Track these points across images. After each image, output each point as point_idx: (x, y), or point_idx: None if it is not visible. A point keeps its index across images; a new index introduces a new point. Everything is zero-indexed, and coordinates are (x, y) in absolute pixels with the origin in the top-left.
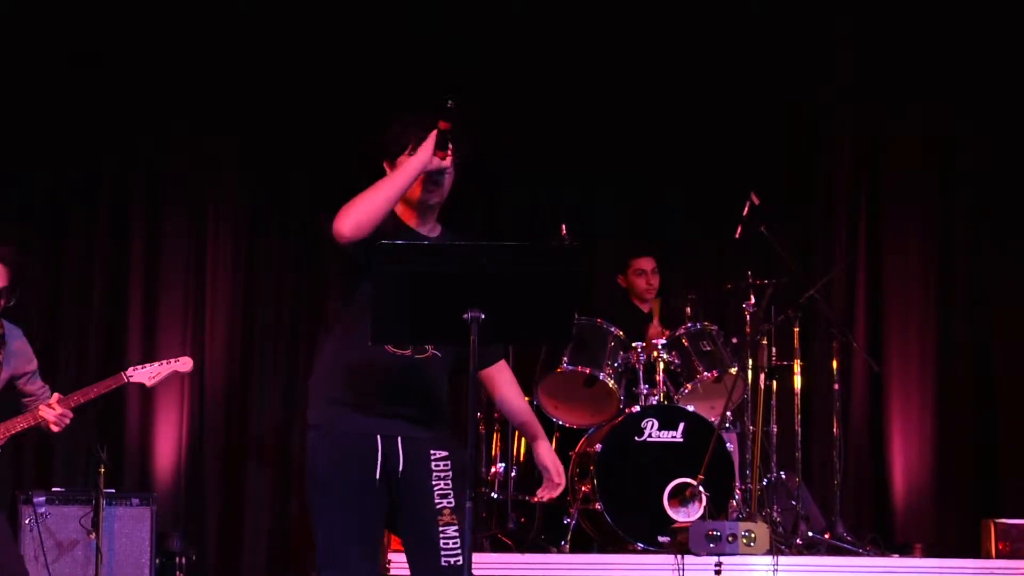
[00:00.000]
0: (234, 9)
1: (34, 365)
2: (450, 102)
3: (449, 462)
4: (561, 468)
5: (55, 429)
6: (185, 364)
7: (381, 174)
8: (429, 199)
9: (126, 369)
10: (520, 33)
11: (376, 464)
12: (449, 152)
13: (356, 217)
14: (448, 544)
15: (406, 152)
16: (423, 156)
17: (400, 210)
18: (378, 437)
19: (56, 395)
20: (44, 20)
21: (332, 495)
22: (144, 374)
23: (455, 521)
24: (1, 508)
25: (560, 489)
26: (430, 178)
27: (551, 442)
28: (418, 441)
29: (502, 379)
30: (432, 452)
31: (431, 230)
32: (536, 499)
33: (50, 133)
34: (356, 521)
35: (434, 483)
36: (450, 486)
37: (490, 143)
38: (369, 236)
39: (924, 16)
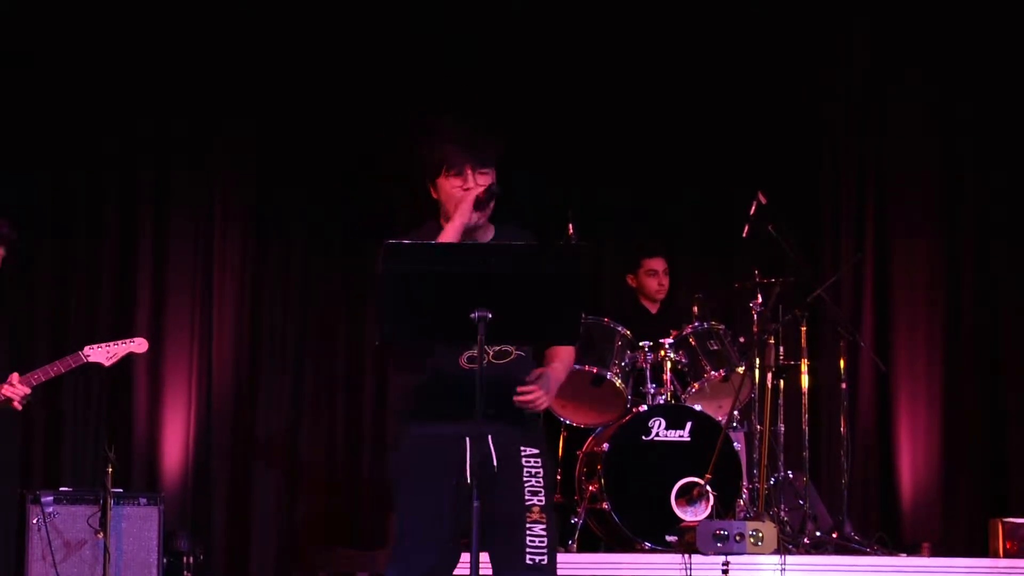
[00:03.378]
0: (237, 9)
1: None
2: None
3: (540, 460)
4: (542, 386)
5: (19, 407)
6: (140, 345)
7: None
8: (473, 223)
9: (83, 349)
10: (521, 32)
11: (466, 465)
12: (489, 209)
13: None
14: (534, 542)
15: (443, 171)
16: (461, 219)
17: (444, 220)
18: (467, 439)
19: (15, 374)
20: (47, 18)
21: (418, 497)
22: (101, 354)
23: (543, 519)
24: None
25: (529, 397)
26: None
27: (558, 441)
28: (509, 437)
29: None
30: (523, 449)
31: (483, 234)
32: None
33: (55, 133)
34: (435, 523)
35: (525, 480)
36: (541, 484)
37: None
38: None
39: (929, 16)
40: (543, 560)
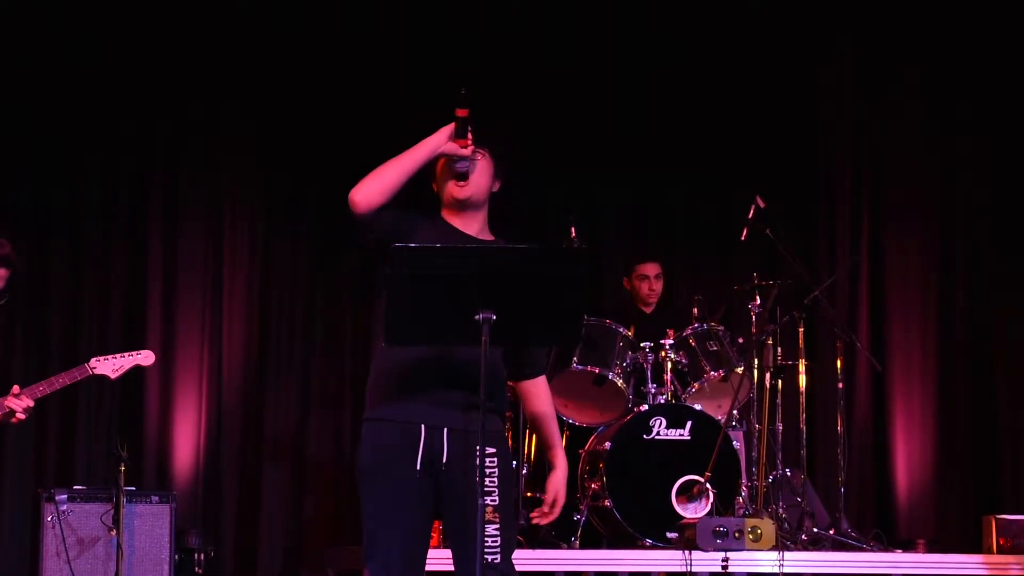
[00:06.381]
0: (247, 14)
1: None
2: (464, 89)
3: (496, 459)
4: (560, 500)
5: (22, 418)
6: (147, 358)
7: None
8: (458, 193)
9: (89, 360)
10: (521, 32)
11: (417, 455)
12: (469, 141)
13: (367, 186)
14: (487, 542)
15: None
16: (439, 137)
17: (444, 212)
18: (422, 427)
19: (16, 387)
20: (55, 14)
21: (374, 486)
22: (108, 366)
23: (496, 519)
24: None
25: (550, 518)
26: (452, 169)
27: (561, 440)
28: (465, 434)
29: (539, 395)
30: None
31: (479, 233)
32: (533, 521)
33: (65, 131)
34: (398, 512)
35: (479, 479)
36: (495, 483)
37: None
38: (385, 223)
39: (925, 18)
40: (496, 559)
